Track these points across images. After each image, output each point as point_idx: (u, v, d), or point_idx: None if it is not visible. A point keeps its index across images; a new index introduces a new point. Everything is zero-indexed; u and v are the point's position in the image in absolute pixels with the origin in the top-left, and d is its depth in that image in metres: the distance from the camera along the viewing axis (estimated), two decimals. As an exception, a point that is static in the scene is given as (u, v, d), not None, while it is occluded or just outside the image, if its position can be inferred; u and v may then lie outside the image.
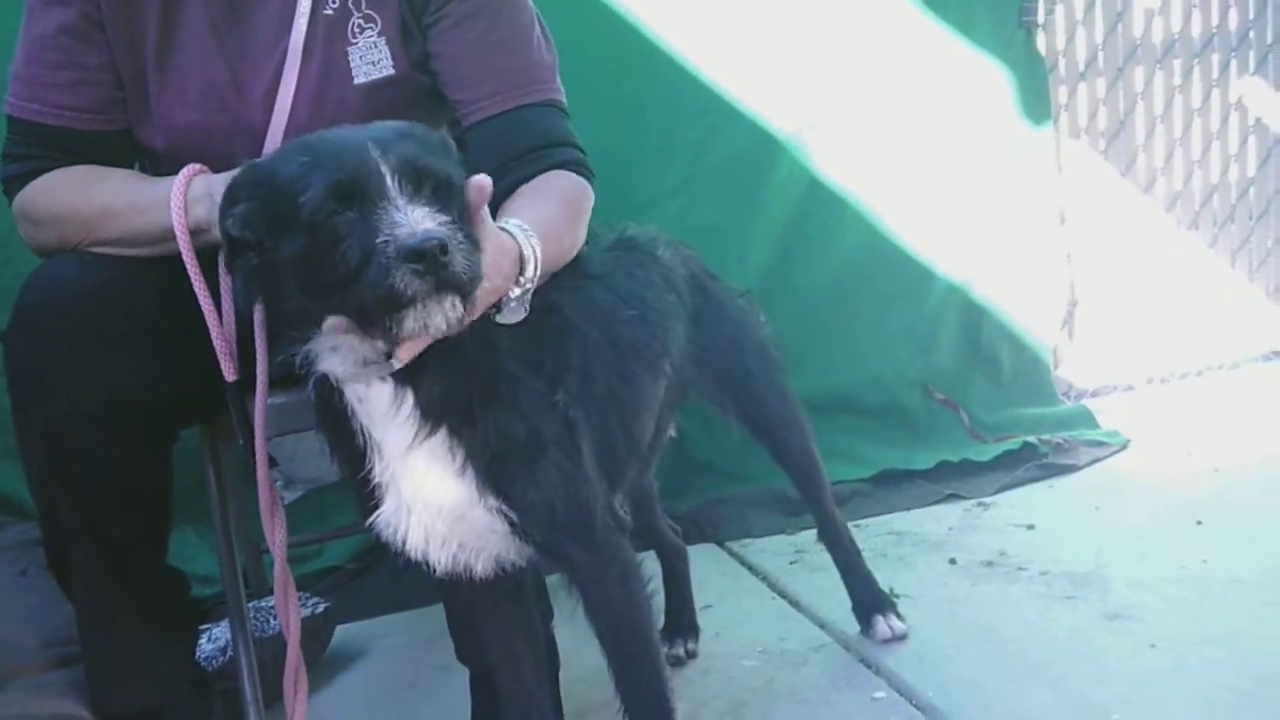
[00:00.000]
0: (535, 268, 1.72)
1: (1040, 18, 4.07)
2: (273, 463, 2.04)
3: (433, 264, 1.42)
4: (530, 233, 1.74)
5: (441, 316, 1.47)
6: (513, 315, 1.70)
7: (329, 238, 1.48)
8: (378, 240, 1.43)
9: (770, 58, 3.68)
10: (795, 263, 3.78)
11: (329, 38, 2.07)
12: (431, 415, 1.64)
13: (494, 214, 1.86)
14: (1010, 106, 3.97)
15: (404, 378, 1.62)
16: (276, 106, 2.05)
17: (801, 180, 3.75)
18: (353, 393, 1.65)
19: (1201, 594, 2.67)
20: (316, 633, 2.77)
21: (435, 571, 1.76)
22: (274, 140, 2.06)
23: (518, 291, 1.70)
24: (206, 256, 1.89)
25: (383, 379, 1.62)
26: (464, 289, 1.47)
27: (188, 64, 2.06)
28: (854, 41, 3.78)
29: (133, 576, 2.13)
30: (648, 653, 1.84)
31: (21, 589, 2.46)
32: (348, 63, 2.08)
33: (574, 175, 2.06)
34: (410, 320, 1.46)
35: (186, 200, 1.88)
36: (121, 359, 1.97)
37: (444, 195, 1.53)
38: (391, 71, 2.09)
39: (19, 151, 2.08)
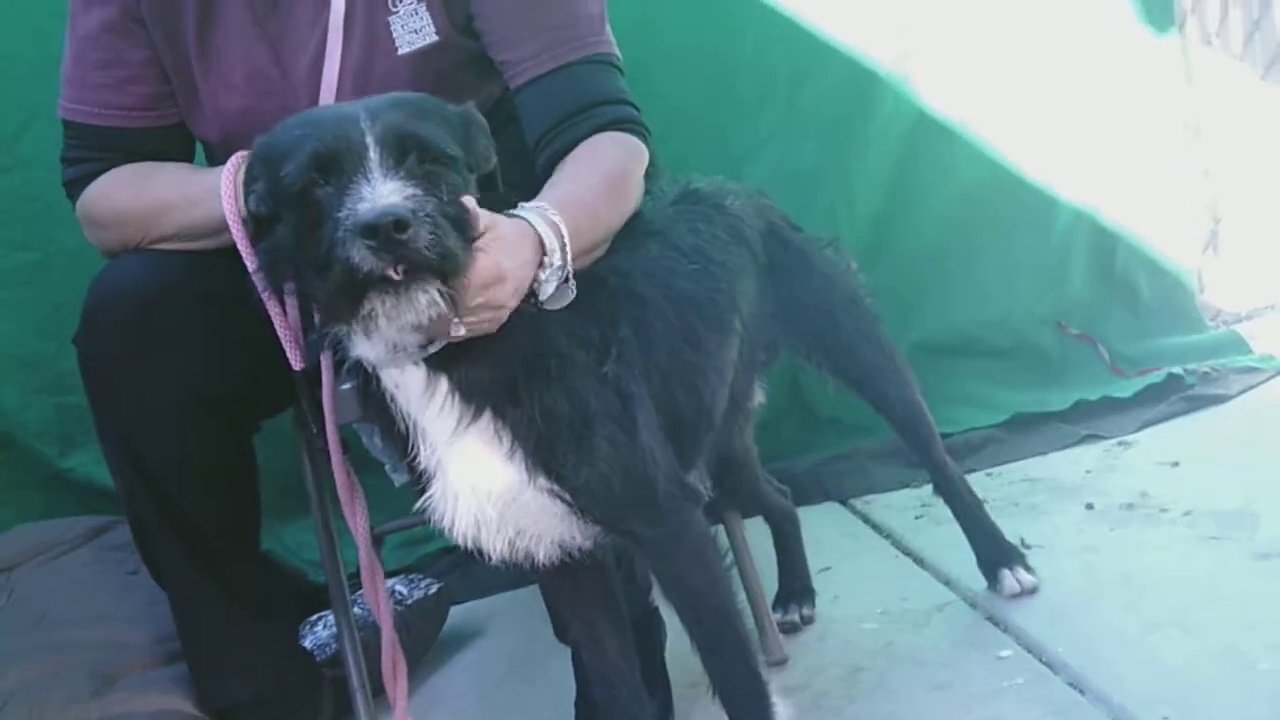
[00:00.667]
0: (563, 248, 1.63)
1: (1159, -82, 3.78)
2: (347, 448, 2.01)
3: (387, 241, 1.34)
4: (549, 211, 1.65)
5: (414, 312, 1.39)
6: (559, 299, 1.63)
7: (312, 213, 1.43)
8: (341, 214, 1.37)
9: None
10: (908, 202, 3.61)
11: (369, 9, 2.01)
12: (474, 399, 1.57)
13: (541, 185, 1.79)
14: (1129, 15, 3.70)
15: (437, 362, 1.55)
16: (323, 85, 2.01)
17: (907, 114, 3.57)
18: (389, 378, 1.59)
19: (1363, 524, 2.44)
20: (431, 614, 2.77)
21: (489, 560, 1.69)
22: None
23: (545, 275, 1.61)
24: None
25: (416, 364, 1.56)
26: (435, 269, 1.38)
27: (229, 51, 2.04)
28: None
29: (222, 568, 2.15)
30: (730, 626, 1.75)
31: (131, 588, 2.50)
32: (390, 33, 2.02)
33: (622, 136, 1.95)
34: (381, 312, 1.39)
35: (236, 187, 1.85)
36: (187, 354, 1.98)
37: (432, 167, 1.46)
38: (435, 38, 2.03)
39: (76, 155, 2.10)
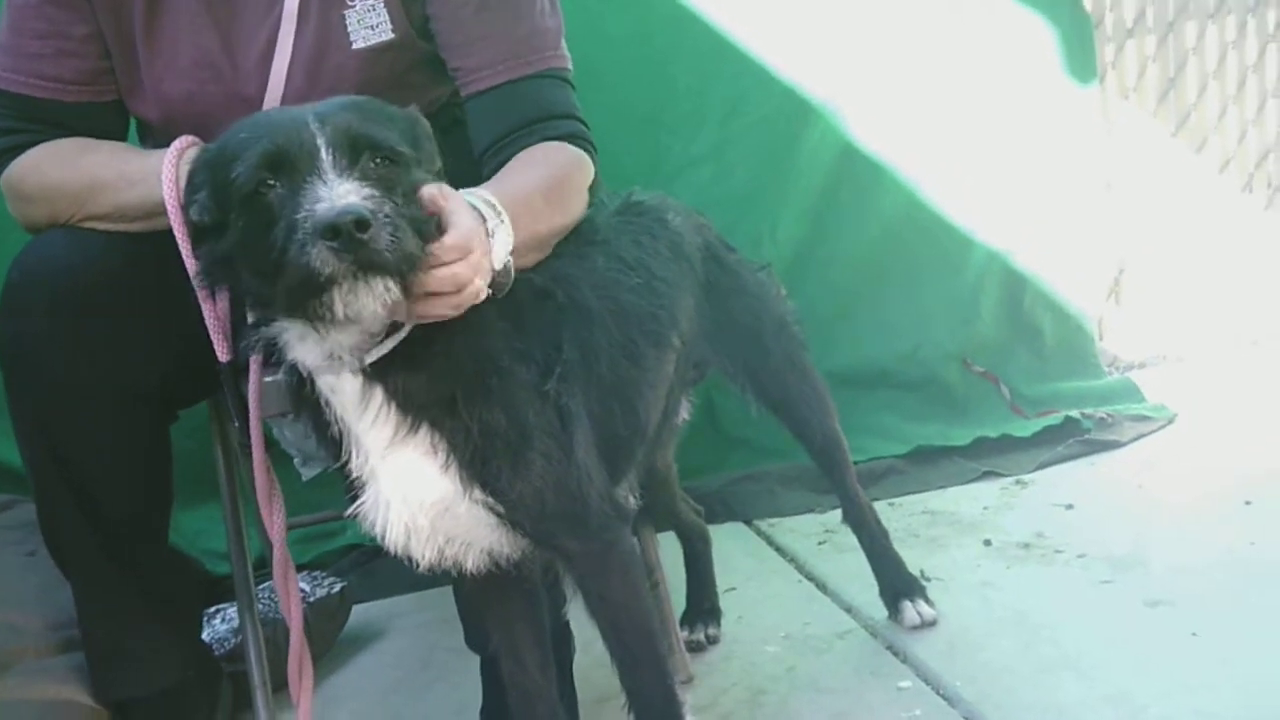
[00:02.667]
0: (505, 237, 1.62)
1: (1086, -28, 3.91)
2: (271, 444, 1.98)
3: (349, 241, 1.33)
4: (486, 194, 1.64)
5: (372, 300, 1.39)
6: (502, 283, 1.62)
7: (261, 214, 1.42)
8: (298, 215, 1.36)
9: (801, 17, 3.55)
10: (829, 232, 3.67)
11: (325, 1, 1.98)
12: (410, 410, 1.56)
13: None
14: (1054, 65, 3.80)
15: (373, 372, 1.54)
16: (272, 73, 1.98)
17: (835, 145, 3.62)
18: (324, 384, 1.57)
19: (1247, 579, 2.54)
20: (333, 614, 2.74)
21: (417, 567, 1.69)
22: (271, 107, 1.97)
23: (494, 242, 1.59)
24: None
25: (353, 372, 1.54)
26: (392, 270, 1.38)
27: (177, 33, 1.98)
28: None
29: (129, 558, 2.10)
30: (650, 645, 1.76)
31: (28, 570, 2.42)
32: (345, 27, 1.99)
33: (569, 147, 1.96)
34: (338, 303, 1.38)
35: (178, 172, 1.82)
36: (111, 338, 1.93)
37: (385, 167, 1.46)
38: (390, 36, 2.00)
39: (5, 125, 2.02)
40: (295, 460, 3.04)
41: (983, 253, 3.81)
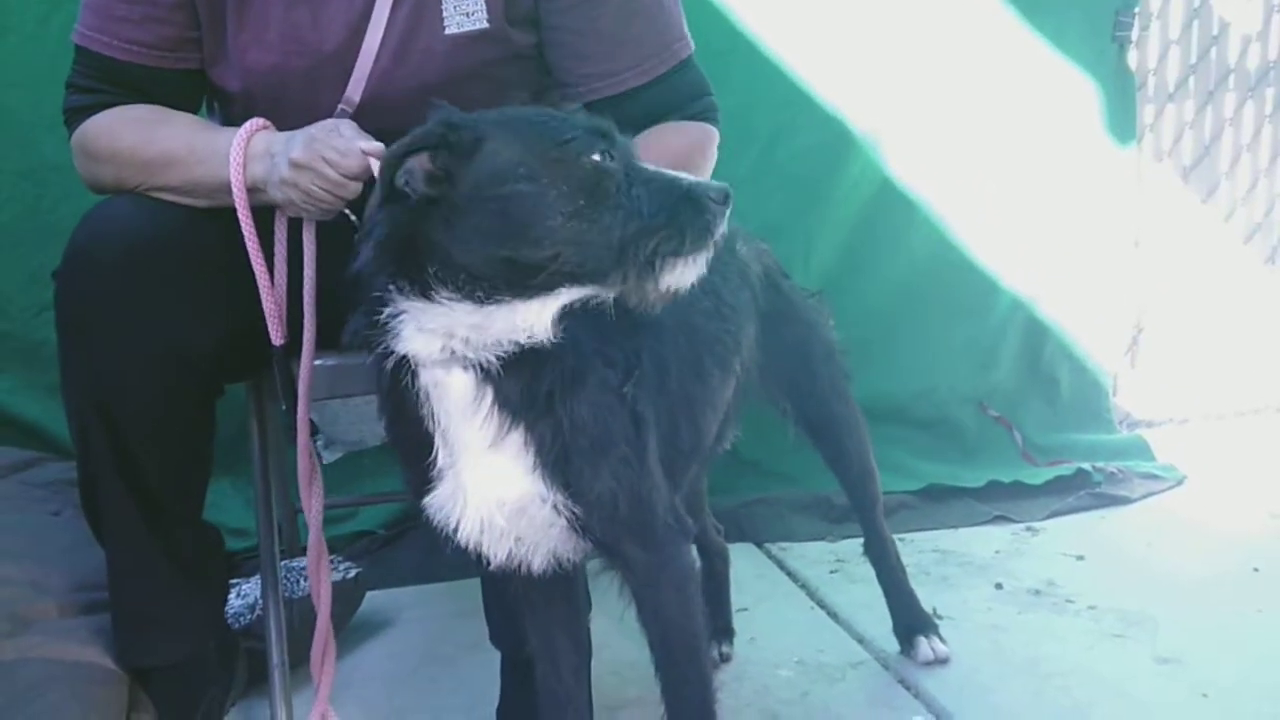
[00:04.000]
0: None
1: (1134, 34, 3.93)
2: (313, 429, 1.99)
3: (723, 209, 1.50)
4: None
5: (695, 274, 1.52)
6: None
7: (598, 178, 1.49)
8: (682, 183, 1.50)
9: (853, 51, 3.57)
10: (860, 265, 3.68)
11: None
12: (509, 410, 1.57)
13: None
14: (1096, 122, 3.85)
15: (488, 371, 1.54)
16: (362, 50, 1.98)
17: (874, 180, 3.64)
18: (429, 377, 1.56)
19: (1255, 644, 2.56)
20: (347, 598, 2.73)
21: (488, 565, 1.69)
22: (356, 85, 1.98)
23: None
24: (260, 214, 1.86)
25: (465, 369, 1.54)
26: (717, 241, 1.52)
27: (267, 7, 1.99)
28: (940, 41, 3.66)
29: (166, 526, 2.10)
30: (697, 661, 1.77)
31: (54, 529, 2.42)
32: (440, 10, 1.99)
33: (691, 124, 2.10)
34: (684, 265, 1.50)
35: (246, 156, 1.84)
36: (171, 309, 1.93)
37: None
38: (485, 25, 2.00)
39: (84, 84, 2.04)
40: (319, 443, 3.05)
41: (1008, 299, 3.84)
